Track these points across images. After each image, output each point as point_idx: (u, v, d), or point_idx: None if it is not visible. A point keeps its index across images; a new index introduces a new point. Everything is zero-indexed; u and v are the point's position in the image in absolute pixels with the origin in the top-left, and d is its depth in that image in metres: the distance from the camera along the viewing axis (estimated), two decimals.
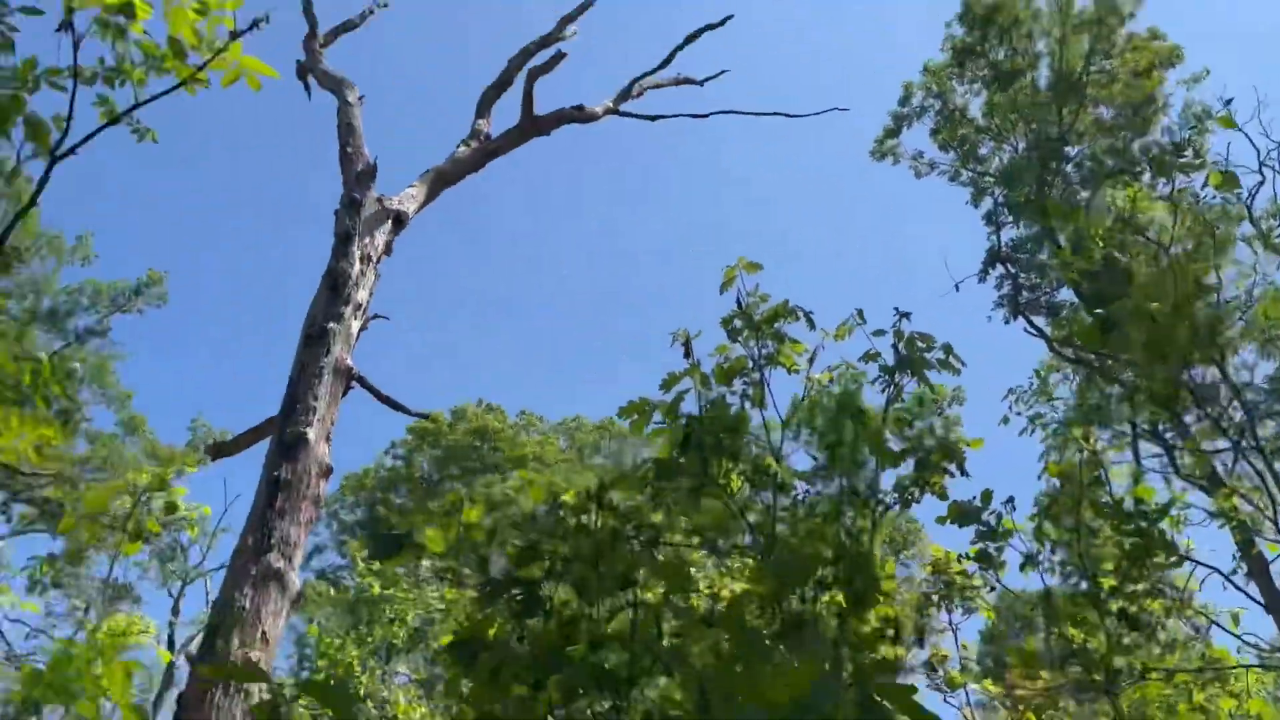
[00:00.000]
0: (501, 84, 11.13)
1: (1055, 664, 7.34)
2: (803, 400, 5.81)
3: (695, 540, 5.43)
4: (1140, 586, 6.66)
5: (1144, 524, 6.41)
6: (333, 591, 18.07)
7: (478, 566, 3.97)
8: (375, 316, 8.43)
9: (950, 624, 7.86)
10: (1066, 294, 24.27)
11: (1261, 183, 13.67)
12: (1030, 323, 24.55)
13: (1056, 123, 25.31)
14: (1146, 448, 21.46)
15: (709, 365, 5.60)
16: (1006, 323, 25.20)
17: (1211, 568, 7.88)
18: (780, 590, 3.85)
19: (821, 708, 1.94)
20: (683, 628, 3.77)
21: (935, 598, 7.77)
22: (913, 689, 1.98)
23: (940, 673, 7.81)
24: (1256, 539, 12.95)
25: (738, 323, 5.78)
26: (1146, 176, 20.83)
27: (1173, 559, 6.65)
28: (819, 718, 1.99)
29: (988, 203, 26.32)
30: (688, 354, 5.56)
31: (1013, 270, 25.04)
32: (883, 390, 5.74)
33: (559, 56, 11.22)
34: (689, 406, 5.45)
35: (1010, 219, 25.39)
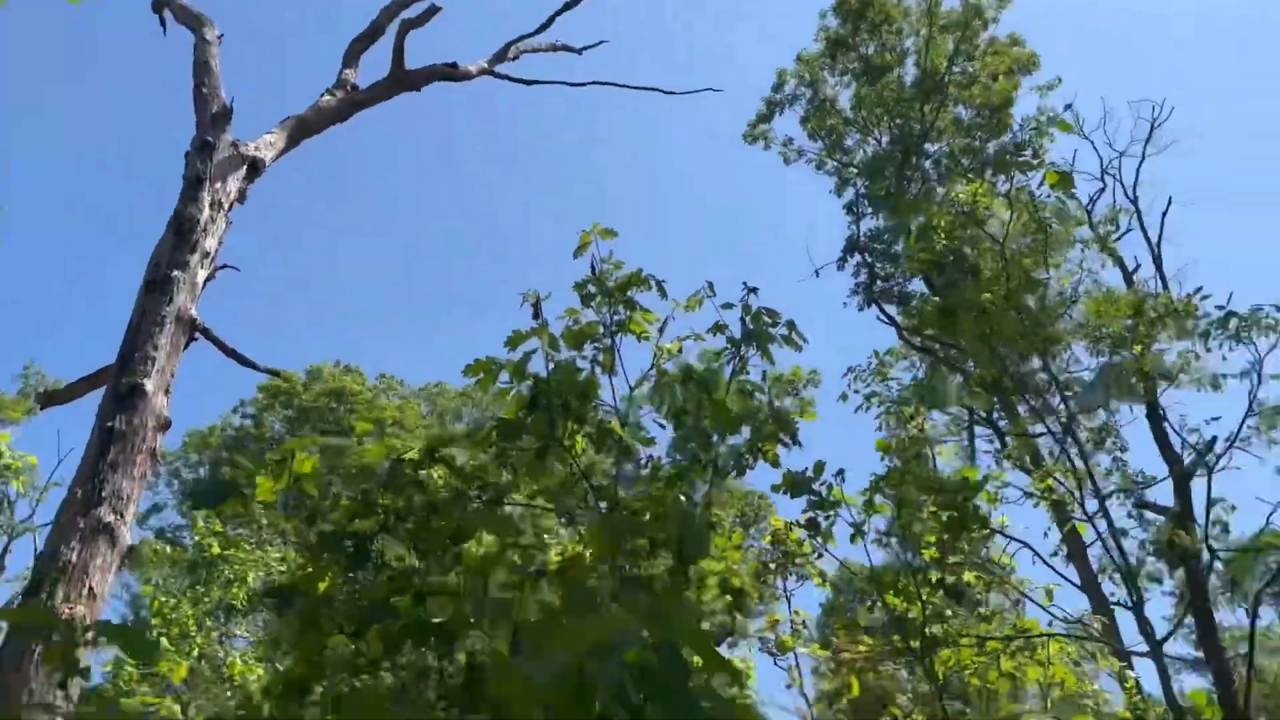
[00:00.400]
0: (371, 34, 10.83)
1: (878, 631, 7.78)
2: (651, 368, 5.95)
3: (541, 502, 5.51)
4: (956, 559, 7.12)
5: (960, 498, 6.85)
6: (170, 550, 17.41)
7: (308, 519, 3.94)
8: (224, 266, 8.13)
9: (785, 591, 8.21)
10: (918, 285, 25.36)
11: (1103, 189, 14.63)
12: (882, 310, 25.57)
13: (919, 119, 26.32)
14: (983, 433, 22.78)
15: (559, 328, 5.67)
16: (860, 310, 26.22)
17: (1023, 543, 8.49)
18: (613, 548, 3.97)
19: (621, 649, 2.05)
20: (511, 582, 3.85)
21: (773, 565, 8.11)
22: (711, 632, 2.11)
23: (772, 637, 8.17)
24: (1072, 519, 13.91)
25: (591, 288, 5.86)
26: (989, 173, 21.94)
27: (985, 532, 7.13)
28: (621, 658, 2.10)
29: (850, 193, 27.23)
30: (536, 315, 5.60)
31: (869, 260, 26.01)
32: (729, 361, 5.93)
33: (433, 10, 10.98)
34: (537, 367, 5.51)
35: (870, 210, 26.34)
